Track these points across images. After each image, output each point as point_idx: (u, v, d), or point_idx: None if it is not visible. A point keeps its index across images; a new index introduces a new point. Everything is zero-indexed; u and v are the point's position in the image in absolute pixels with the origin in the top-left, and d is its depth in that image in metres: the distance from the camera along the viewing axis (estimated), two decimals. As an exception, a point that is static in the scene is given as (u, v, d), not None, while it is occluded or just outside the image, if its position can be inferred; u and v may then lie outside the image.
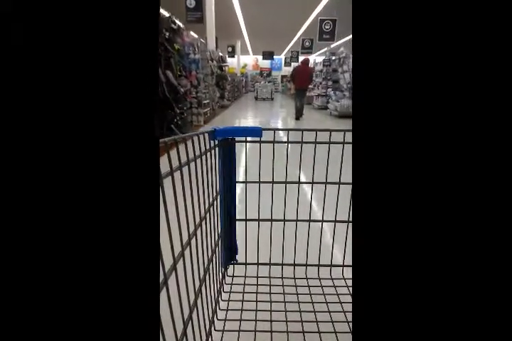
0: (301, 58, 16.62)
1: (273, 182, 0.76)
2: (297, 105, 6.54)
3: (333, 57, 8.87)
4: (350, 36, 14.44)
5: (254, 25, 13.35)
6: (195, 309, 0.50)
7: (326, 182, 0.76)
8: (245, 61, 22.90)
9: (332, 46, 10.70)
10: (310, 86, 11.15)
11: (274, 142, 0.73)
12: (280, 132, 4.23)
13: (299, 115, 6.57)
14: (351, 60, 6.78)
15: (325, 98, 8.97)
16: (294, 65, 15.59)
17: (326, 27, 9.69)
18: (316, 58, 12.78)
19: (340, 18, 9.21)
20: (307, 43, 13.20)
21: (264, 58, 18.58)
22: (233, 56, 16.97)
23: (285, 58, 20.71)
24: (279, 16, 11.61)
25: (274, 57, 20.76)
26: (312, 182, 0.79)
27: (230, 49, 16.79)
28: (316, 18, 10.05)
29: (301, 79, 6.49)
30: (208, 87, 6.03)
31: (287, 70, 11.31)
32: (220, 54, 9.31)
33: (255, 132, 0.68)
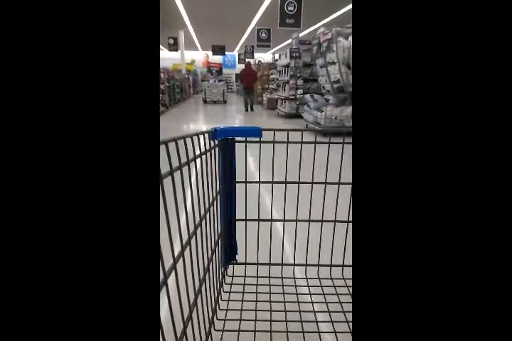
0: (256, 55, 14.67)
1: (273, 182, 0.76)
2: (246, 100, 8.54)
3: (304, 47, 6.56)
4: (323, 21, 12.19)
5: (198, 12, 10.74)
6: (195, 309, 0.49)
7: (325, 182, 0.76)
8: (193, 57, 20.02)
9: (301, 35, 8.36)
10: (271, 86, 8.97)
11: (274, 142, 0.73)
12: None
13: (248, 108, 8.50)
14: (341, 44, 4.50)
15: (294, 103, 6.61)
16: (247, 60, 13.63)
17: (289, 8, 7.38)
18: (276, 56, 10.57)
19: (308, -3, 7.00)
20: (263, 34, 10.87)
21: (214, 53, 15.89)
22: (176, 49, 14.13)
23: (239, 54, 18.27)
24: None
25: (227, 53, 18.31)
26: (312, 182, 0.77)
27: (171, 41, 13.93)
28: (274, 1, 7.72)
29: (246, 79, 8.39)
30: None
31: (242, 68, 9.12)
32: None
33: (255, 132, 0.67)
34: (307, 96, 5.03)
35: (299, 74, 6.46)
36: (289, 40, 11.44)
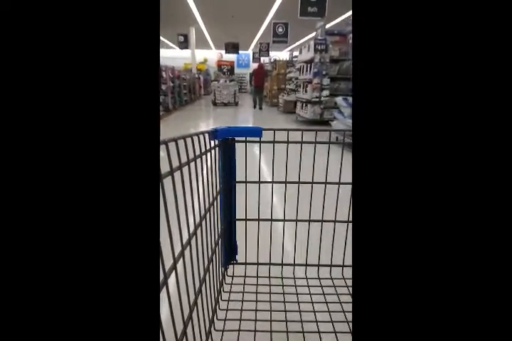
0: (272, 53, 13.59)
1: (273, 182, 0.76)
2: (255, 99, 9.09)
3: (331, 39, 5.38)
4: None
5: (210, 5, 9.72)
6: (195, 309, 0.49)
7: (325, 182, 0.76)
8: (206, 56, 19.08)
9: (327, 26, 7.06)
10: (289, 86, 7.86)
11: (274, 142, 0.74)
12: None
13: (257, 106, 8.97)
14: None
15: (318, 107, 5.45)
16: (262, 59, 12.61)
17: (313, -5, 6.26)
18: (294, 53, 9.43)
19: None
20: (280, 29, 9.78)
21: (227, 52, 14.88)
22: (186, 47, 13.19)
23: (253, 53, 17.21)
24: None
25: (242, 52, 17.31)
26: (312, 182, 0.77)
27: (181, 38, 13.00)
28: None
29: (257, 79, 8.97)
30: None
31: (255, 67, 8.51)
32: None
33: (255, 132, 0.68)
34: (339, 99, 3.87)
35: (324, 72, 5.29)
36: (308, 37, 10.17)
